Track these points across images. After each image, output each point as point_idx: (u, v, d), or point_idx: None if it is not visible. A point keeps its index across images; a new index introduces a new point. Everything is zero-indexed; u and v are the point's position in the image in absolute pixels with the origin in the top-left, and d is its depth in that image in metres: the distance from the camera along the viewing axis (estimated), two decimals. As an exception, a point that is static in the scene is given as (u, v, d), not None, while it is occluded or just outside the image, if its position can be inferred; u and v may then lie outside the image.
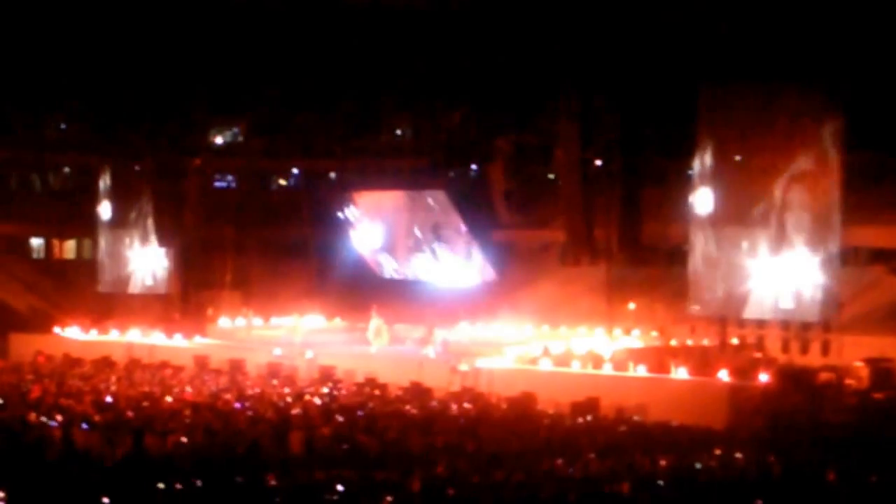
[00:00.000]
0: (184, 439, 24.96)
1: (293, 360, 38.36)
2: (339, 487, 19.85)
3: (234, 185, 62.19)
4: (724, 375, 32.92)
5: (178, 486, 19.62)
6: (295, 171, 63.20)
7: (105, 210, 52.16)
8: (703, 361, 34.70)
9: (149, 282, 51.18)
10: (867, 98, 39.61)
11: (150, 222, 50.92)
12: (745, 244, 35.90)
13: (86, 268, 54.70)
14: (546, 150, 54.92)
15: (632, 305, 45.52)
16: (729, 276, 36.24)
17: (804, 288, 34.99)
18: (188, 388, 33.46)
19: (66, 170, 61.02)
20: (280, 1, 50.43)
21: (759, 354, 38.43)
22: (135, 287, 51.48)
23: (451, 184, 54.36)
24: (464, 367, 35.10)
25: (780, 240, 35.34)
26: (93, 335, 46.37)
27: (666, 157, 50.25)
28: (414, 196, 52.91)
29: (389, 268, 54.34)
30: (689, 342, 40.83)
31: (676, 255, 44.36)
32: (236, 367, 38.46)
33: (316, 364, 37.67)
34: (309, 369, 37.46)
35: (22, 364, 40.14)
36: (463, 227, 51.43)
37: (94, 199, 52.68)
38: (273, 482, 20.39)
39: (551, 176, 56.23)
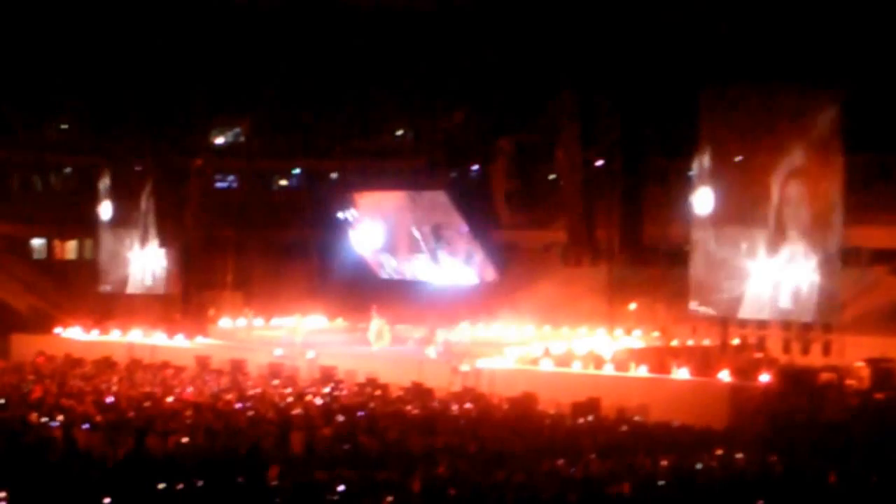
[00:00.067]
0: (185, 439, 24.99)
1: (294, 361, 38.39)
2: (340, 487, 19.87)
3: (235, 185, 62.16)
4: (725, 376, 32.94)
5: (180, 486, 19.65)
6: (296, 171, 63.21)
7: (106, 210, 52.19)
8: (704, 362, 34.71)
9: (150, 282, 51.21)
10: (867, 98, 39.59)
11: (151, 223, 50.95)
12: (745, 244, 35.93)
13: (87, 268, 54.70)
14: (547, 151, 54.86)
15: (633, 306, 45.51)
16: (730, 277, 36.27)
17: (805, 288, 35.00)
18: (189, 389, 33.49)
19: (68, 170, 60.98)
20: (281, 1, 50.44)
21: (760, 355, 38.43)
22: (136, 287, 51.51)
23: (452, 184, 54.30)
24: (465, 367, 35.12)
25: (780, 240, 35.36)
26: (94, 335, 46.40)
27: (667, 158, 50.26)
28: (415, 196, 52.89)
29: (390, 268, 54.35)
30: (691, 342, 40.84)
31: (678, 256, 44.34)
32: (237, 367, 38.49)
33: (317, 364, 37.70)
34: (310, 369, 37.49)
35: (23, 364, 40.15)
36: (464, 228, 51.42)
37: (95, 200, 52.69)
38: (274, 482, 20.42)
39: (552, 176, 56.19)
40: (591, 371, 35.12)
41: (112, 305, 50.76)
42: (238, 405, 29.97)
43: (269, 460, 22.72)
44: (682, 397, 31.87)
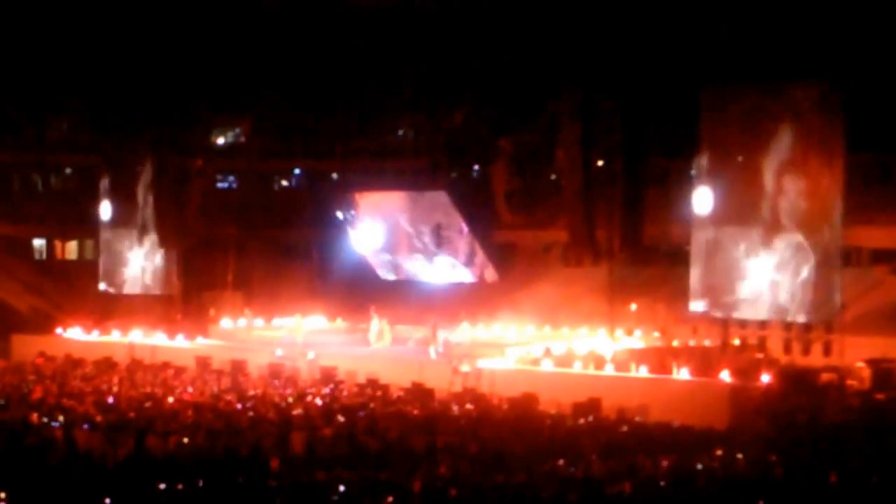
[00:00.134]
0: (185, 440, 25.01)
1: (295, 361, 38.40)
2: (341, 488, 19.89)
3: (235, 185, 62.21)
4: (725, 376, 32.92)
5: (180, 486, 19.66)
6: (297, 171, 63.22)
7: (107, 211, 52.21)
8: (704, 362, 34.70)
9: (150, 282, 51.23)
10: (867, 98, 39.58)
11: (151, 223, 50.96)
12: (746, 244, 35.93)
13: (87, 268, 54.75)
14: (548, 151, 54.86)
15: (633, 306, 45.47)
16: (730, 277, 36.27)
17: (805, 288, 35.00)
18: (190, 389, 33.52)
19: (68, 171, 61.06)
20: (281, 1, 50.41)
21: (760, 355, 38.38)
22: (136, 288, 51.54)
23: (452, 184, 54.32)
24: (465, 367, 35.11)
25: (781, 240, 35.36)
26: (94, 336, 46.43)
27: (667, 158, 50.25)
28: (415, 196, 52.91)
29: (391, 268, 54.34)
30: (691, 343, 40.80)
31: (678, 256, 44.35)
32: (238, 367, 38.49)
33: (317, 365, 37.70)
34: (310, 370, 37.50)
35: (24, 365, 40.19)
36: (464, 228, 51.44)
37: (95, 200, 52.76)
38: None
39: (553, 176, 56.19)
40: (592, 371, 35.12)
41: (113, 306, 50.80)
42: (238, 406, 29.99)
43: (269, 460, 22.75)
44: (682, 398, 31.85)
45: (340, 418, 28.24)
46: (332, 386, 34.50)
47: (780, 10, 40.22)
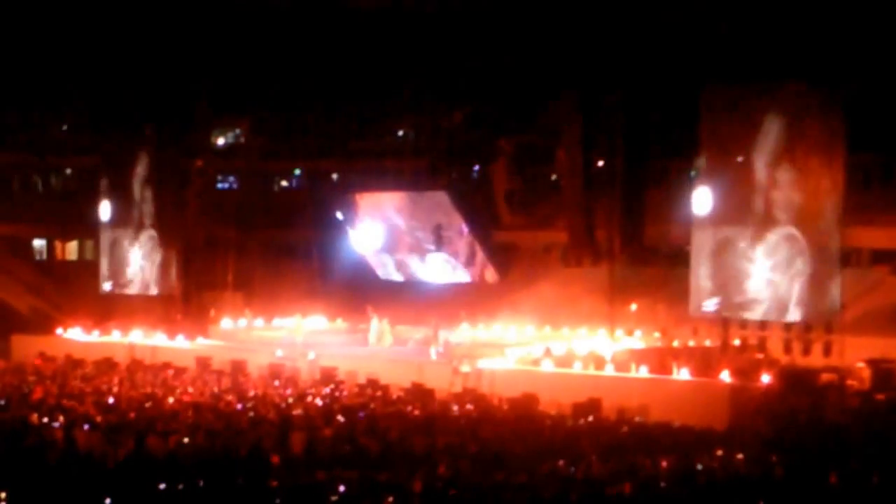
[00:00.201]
0: (186, 440, 24.99)
1: (295, 362, 38.39)
2: (341, 488, 19.89)
3: (236, 186, 62.23)
4: (725, 376, 32.92)
5: (180, 486, 19.66)
6: (297, 172, 63.23)
7: (107, 211, 52.18)
8: (705, 362, 34.70)
9: (150, 283, 51.19)
10: (867, 98, 39.59)
11: (151, 223, 50.93)
12: (746, 244, 35.91)
13: (88, 269, 54.73)
14: (548, 151, 54.90)
15: (634, 306, 45.47)
16: (730, 277, 36.26)
17: (806, 289, 34.98)
18: (190, 389, 33.51)
19: (68, 171, 61.07)
20: (282, 2, 50.40)
21: (761, 355, 38.40)
22: (136, 288, 51.49)
23: (452, 184, 54.36)
24: (465, 368, 35.10)
25: (780, 240, 35.34)
26: (95, 336, 46.42)
27: (668, 158, 50.25)
28: (416, 197, 52.93)
29: (391, 269, 54.35)
30: (691, 343, 40.80)
31: (678, 256, 44.35)
32: (238, 368, 38.49)
33: (318, 365, 37.70)
34: (311, 370, 37.50)
35: (24, 365, 40.18)
36: (465, 228, 51.45)
37: (95, 201, 52.70)
38: (274, 483, 20.44)
39: (553, 177, 56.21)
40: (592, 372, 35.11)
41: (113, 306, 50.76)
42: (239, 406, 29.98)
43: (269, 461, 22.75)
44: (682, 398, 31.85)
45: (340, 418, 28.24)
46: (332, 386, 34.48)
47: (780, 11, 40.18)
